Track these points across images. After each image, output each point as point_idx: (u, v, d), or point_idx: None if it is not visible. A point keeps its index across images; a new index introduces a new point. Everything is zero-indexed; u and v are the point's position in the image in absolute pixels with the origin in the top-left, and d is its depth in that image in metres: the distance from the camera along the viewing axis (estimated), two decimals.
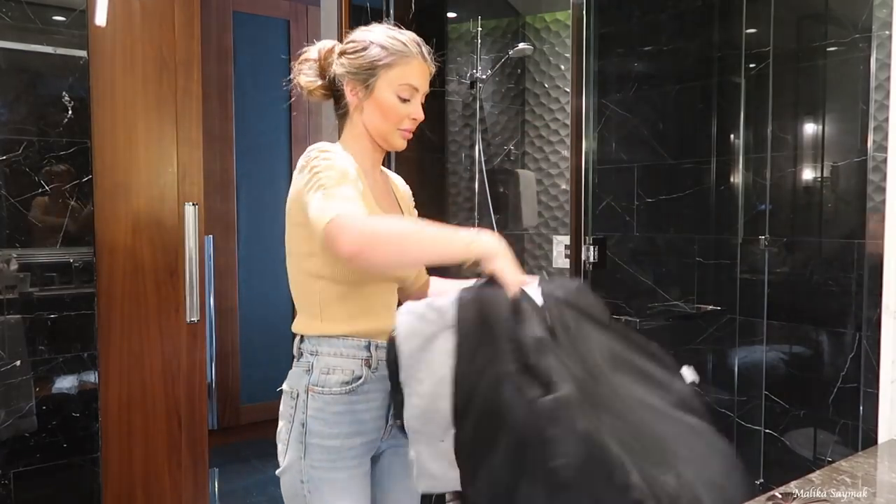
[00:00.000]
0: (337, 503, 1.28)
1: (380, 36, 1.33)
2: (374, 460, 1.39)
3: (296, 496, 1.30)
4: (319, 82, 1.38)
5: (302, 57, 1.40)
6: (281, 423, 1.33)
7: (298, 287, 1.35)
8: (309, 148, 1.26)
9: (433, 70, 1.38)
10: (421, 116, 1.36)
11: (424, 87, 1.36)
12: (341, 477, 1.29)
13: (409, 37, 1.35)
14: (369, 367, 1.30)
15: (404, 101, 1.33)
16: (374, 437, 1.33)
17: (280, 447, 1.33)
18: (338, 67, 1.35)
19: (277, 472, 1.33)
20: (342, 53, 1.36)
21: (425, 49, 1.36)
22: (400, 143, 1.38)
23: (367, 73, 1.32)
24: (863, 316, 2.13)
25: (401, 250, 1.14)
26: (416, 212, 1.53)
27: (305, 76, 1.39)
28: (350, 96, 1.35)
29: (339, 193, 1.15)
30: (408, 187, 1.55)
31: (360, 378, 1.29)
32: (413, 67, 1.33)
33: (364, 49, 1.33)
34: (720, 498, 0.97)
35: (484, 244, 1.12)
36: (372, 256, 1.11)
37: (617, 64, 2.86)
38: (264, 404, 3.86)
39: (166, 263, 2.17)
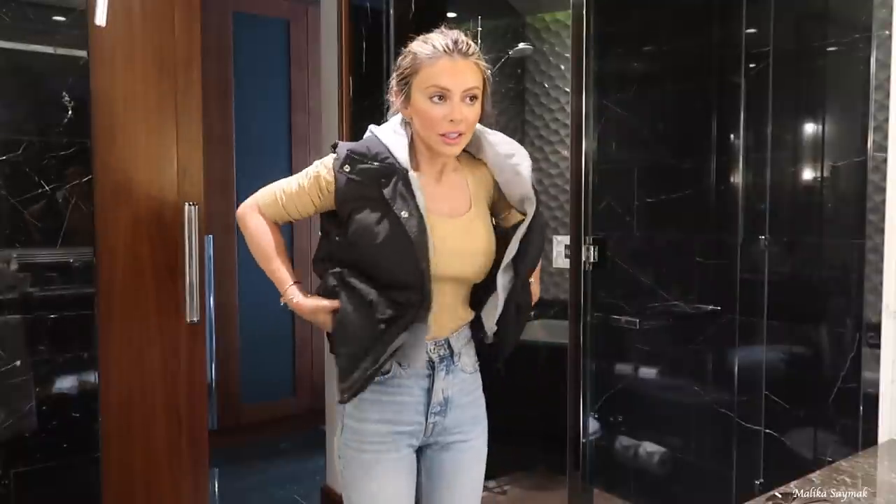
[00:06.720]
0: (363, 481, 1.37)
1: (416, 44, 1.33)
2: (421, 452, 1.45)
3: (338, 469, 1.43)
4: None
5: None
6: None
7: None
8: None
9: (479, 66, 1.31)
10: (458, 116, 1.28)
11: (460, 86, 1.28)
12: (367, 458, 1.36)
13: (442, 38, 1.30)
14: (400, 365, 1.36)
15: (437, 103, 1.29)
16: (408, 430, 1.38)
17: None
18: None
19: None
20: None
21: (462, 46, 1.29)
22: (446, 150, 1.33)
23: (403, 83, 1.33)
24: (863, 316, 2.13)
25: (251, 248, 1.52)
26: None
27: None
28: (400, 109, 1.37)
29: (266, 188, 1.48)
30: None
31: (387, 372, 1.36)
32: (438, 67, 1.28)
33: (402, 60, 1.35)
34: None
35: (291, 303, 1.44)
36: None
37: (617, 64, 2.86)
38: (264, 404, 3.86)
39: (166, 263, 2.17)
